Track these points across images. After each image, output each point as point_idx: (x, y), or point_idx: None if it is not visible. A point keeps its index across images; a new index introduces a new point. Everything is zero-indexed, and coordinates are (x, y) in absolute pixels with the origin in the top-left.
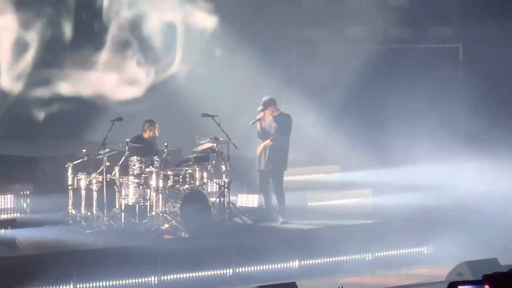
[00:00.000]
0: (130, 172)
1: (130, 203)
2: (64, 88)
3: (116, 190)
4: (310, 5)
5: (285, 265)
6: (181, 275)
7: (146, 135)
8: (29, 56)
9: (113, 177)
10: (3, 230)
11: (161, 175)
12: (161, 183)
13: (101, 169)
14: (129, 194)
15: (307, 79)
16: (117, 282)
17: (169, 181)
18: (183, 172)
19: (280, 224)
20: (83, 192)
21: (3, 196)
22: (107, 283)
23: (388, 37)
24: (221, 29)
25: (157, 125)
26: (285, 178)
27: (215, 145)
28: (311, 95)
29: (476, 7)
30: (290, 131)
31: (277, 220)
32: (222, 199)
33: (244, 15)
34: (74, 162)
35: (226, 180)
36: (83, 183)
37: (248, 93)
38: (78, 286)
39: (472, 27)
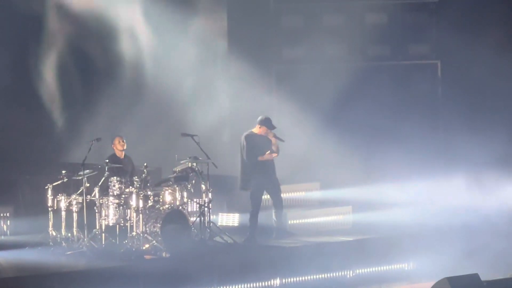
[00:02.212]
0: (110, 193)
1: (111, 224)
2: None
3: (96, 211)
4: (288, 24)
5: (266, 283)
6: None
7: (116, 151)
8: None
9: (93, 198)
10: None
11: (141, 195)
12: (141, 203)
13: (81, 190)
14: (109, 215)
15: (286, 98)
16: None
17: (149, 201)
18: (163, 192)
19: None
20: (63, 214)
21: None
22: None
23: (367, 55)
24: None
25: (119, 138)
26: (264, 196)
27: (194, 164)
28: (291, 114)
29: (453, 24)
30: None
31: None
32: (202, 218)
33: (224, 35)
34: (54, 184)
35: (206, 200)
36: (63, 205)
37: (228, 112)
38: None
39: (450, 44)
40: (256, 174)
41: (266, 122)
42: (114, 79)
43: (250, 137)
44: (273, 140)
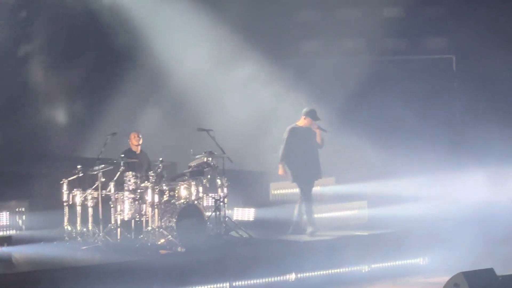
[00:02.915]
0: (126, 188)
1: (126, 219)
2: None
3: (112, 205)
4: (305, 18)
5: (282, 278)
6: None
7: (131, 146)
8: None
9: (108, 193)
10: None
11: (157, 190)
12: (156, 198)
13: (96, 185)
14: (124, 210)
15: (303, 91)
16: None
17: (164, 196)
18: (178, 187)
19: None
20: (78, 208)
21: None
22: None
23: (383, 49)
24: (220, 43)
25: (135, 133)
26: (280, 191)
27: (210, 159)
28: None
29: (470, 19)
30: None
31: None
32: (218, 213)
33: (241, 29)
34: (69, 178)
35: (222, 194)
36: (78, 199)
37: (244, 106)
38: None
39: (466, 38)
40: (299, 167)
41: (311, 114)
42: (129, 74)
43: (293, 131)
44: (317, 131)
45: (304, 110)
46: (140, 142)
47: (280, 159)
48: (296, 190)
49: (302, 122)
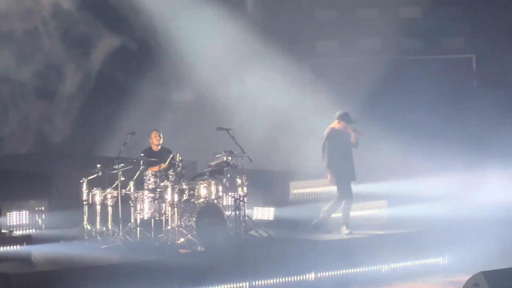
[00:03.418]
0: (145, 187)
1: (146, 218)
2: None
3: (131, 204)
4: (322, 18)
5: (301, 277)
6: None
7: (153, 145)
8: None
9: (128, 192)
10: (18, 246)
11: (176, 189)
12: (176, 197)
13: (116, 184)
14: (144, 209)
15: (321, 91)
16: None
17: (184, 195)
18: (198, 186)
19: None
20: (98, 207)
21: (18, 212)
22: None
23: (401, 48)
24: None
25: (156, 132)
26: (299, 191)
27: (230, 158)
28: (324, 107)
29: (488, 18)
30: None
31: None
32: (237, 212)
33: (259, 28)
34: (89, 178)
35: (242, 194)
36: (98, 198)
37: (264, 105)
38: None
39: (485, 38)
40: (339, 168)
41: (345, 117)
42: (149, 74)
43: (331, 135)
44: (352, 134)
45: (337, 113)
46: (161, 141)
47: (326, 166)
48: (314, 190)
49: (336, 125)
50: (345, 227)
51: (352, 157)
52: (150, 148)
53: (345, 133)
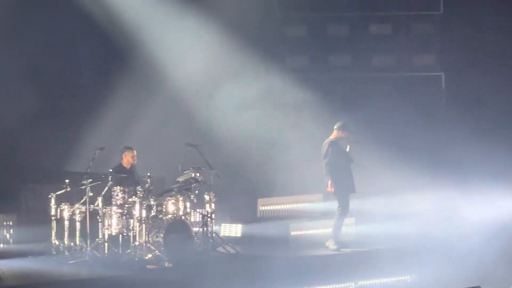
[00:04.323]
0: (113, 202)
1: (114, 233)
2: None
3: (99, 220)
4: (292, 34)
5: None
6: None
7: (125, 162)
8: None
9: (96, 207)
10: None
11: (144, 205)
12: (144, 213)
13: (84, 199)
14: (112, 224)
15: (290, 107)
16: None
17: (152, 211)
18: (166, 202)
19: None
20: (66, 223)
21: None
22: None
23: (371, 65)
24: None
25: (134, 151)
26: (267, 207)
27: (198, 174)
28: (294, 124)
29: (458, 36)
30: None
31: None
32: (205, 228)
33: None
34: (57, 193)
35: (209, 210)
36: (66, 214)
37: (232, 121)
38: None
39: (455, 56)
40: (340, 180)
41: (345, 127)
42: (118, 88)
43: (332, 145)
44: (348, 146)
45: (338, 124)
46: (136, 161)
47: (327, 175)
48: (283, 207)
49: (336, 135)
50: (332, 243)
51: (351, 169)
52: (121, 164)
53: (345, 145)
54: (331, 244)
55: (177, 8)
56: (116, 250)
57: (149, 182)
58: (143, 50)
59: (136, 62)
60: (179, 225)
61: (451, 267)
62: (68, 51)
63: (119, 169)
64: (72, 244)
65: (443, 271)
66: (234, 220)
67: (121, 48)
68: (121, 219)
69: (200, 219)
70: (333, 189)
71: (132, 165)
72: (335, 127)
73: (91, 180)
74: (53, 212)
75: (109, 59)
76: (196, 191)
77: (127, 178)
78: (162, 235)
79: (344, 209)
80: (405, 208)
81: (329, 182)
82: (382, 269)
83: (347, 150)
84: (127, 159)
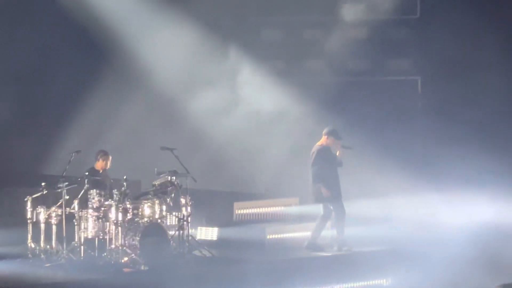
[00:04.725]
0: (90, 206)
1: (90, 237)
2: None
3: (76, 223)
4: (269, 38)
5: None
6: None
7: (98, 165)
8: None
9: (72, 211)
10: None
11: (120, 208)
12: (120, 216)
13: (60, 202)
14: (88, 228)
15: (266, 111)
16: None
17: (128, 214)
18: (142, 205)
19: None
20: (42, 226)
21: None
22: None
23: (347, 70)
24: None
25: (110, 157)
26: (243, 211)
27: (174, 178)
28: (270, 127)
29: (434, 40)
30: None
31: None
32: (181, 232)
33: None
34: (33, 196)
35: (185, 213)
36: (42, 217)
37: (208, 125)
38: None
39: (431, 60)
40: (330, 185)
41: (333, 133)
42: (95, 91)
43: (321, 151)
44: (339, 151)
45: (326, 130)
46: (109, 166)
47: (318, 181)
48: (259, 210)
49: (324, 141)
50: (343, 245)
51: (337, 174)
52: (94, 167)
53: (333, 152)
54: (342, 248)
55: (150, 18)
56: (92, 253)
57: (125, 185)
58: (120, 54)
59: (112, 65)
60: (155, 229)
61: (428, 270)
62: (43, 53)
63: (92, 171)
64: (48, 247)
65: (421, 275)
66: (210, 223)
67: (97, 51)
68: (97, 222)
69: (176, 223)
70: (329, 193)
71: (104, 169)
72: (323, 132)
73: (67, 183)
74: (29, 215)
75: (85, 62)
76: (172, 195)
77: (101, 181)
78: (138, 238)
79: (339, 213)
80: (382, 211)
81: (322, 189)
82: (359, 272)
83: (337, 154)
84: (101, 163)
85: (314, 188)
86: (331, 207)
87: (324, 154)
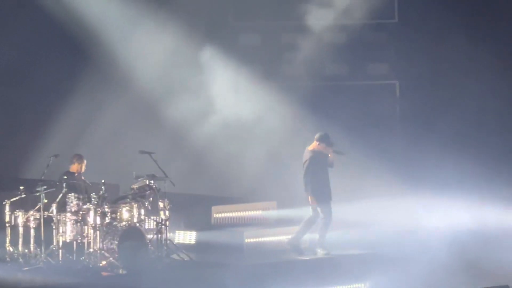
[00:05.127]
0: (68, 209)
1: (68, 240)
2: None
3: (54, 227)
4: (247, 42)
5: None
6: None
7: (73, 169)
8: None
9: (50, 214)
10: None
11: (99, 212)
12: (98, 220)
13: (38, 206)
14: (66, 231)
15: (244, 116)
16: None
17: (106, 218)
18: (120, 209)
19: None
20: (20, 229)
21: None
22: None
23: (325, 74)
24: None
25: (85, 161)
26: (221, 215)
27: (152, 182)
28: (247, 132)
29: (412, 44)
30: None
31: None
32: (159, 235)
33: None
34: (12, 199)
35: (164, 217)
36: (20, 220)
37: (187, 130)
38: None
39: (409, 64)
40: (321, 190)
41: (325, 139)
42: (74, 95)
43: (314, 156)
44: (330, 155)
45: (317, 135)
46: (83, 170)
47: (311, 190)
48: (237, 214)
49: (316, 147)
50: (321, 250)
51: (328, 178)
52: (69, 171)
53: (325, 154)
54: (320, 250)
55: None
56: (70, 257)
57: (103, 189)
58: (99, 58)
59: (92, 69)
60: (133, 232)
61: (406, 275)
62: (22, 56)
63: (69, 175)
64: (26, 251)
65: (399, 279)
66: (188, 227)
67: (77, 55)
68: (75, 226)
69: (155, 226)
70: (315, 203)
71: (79, 173)
72: (315, 137)
73: (45, 187)
74: (7, 218)
75: (64, 66)
76: (151, 198)
77: (77, 184)
78: (116, 242)
79: (327, 217)
80: (360, 215)
81: (311, 198)
82: (337, 276)
83: (330, 156)
84: (76, 167)
85: (307, 195)
86: (319, 210)
87: (316, 159)
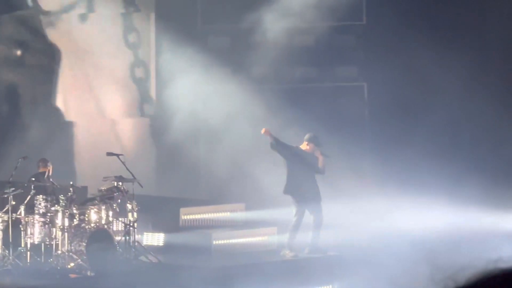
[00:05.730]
0: (36, 211)
1: (36, 242)
2: None
3: (22, 229)
4: (215, 44)
5: None
6: None
7: (42, 171)
8: None
9: (18, 216)
10: None
11: (67, 214)
12: (66, 222)
13: (6, 208)
14: (34, 233)
15: (213, 118)
16: None
17: (74, 220)
18: (88, 211)
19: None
20: None
21: None
22: None
23: (293, 77)
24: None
25: (51, 166)
26: (190, 216)
27: (120, 183)
28: (216, 134)
29: (380, 46)
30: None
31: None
32: (127, 237)
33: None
34: None
35: (132, 219)
36: None
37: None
38: None
39: (377, 66)
40: (305, 190)
41: (314, 140)
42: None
43: (302, 153)
44: (320, 158)
45: (307, 136)
46: (50, 173)
47: (285, 191)
48: (205, 216)
49: (304, 147)
50: (289, 250)
51: (315, 180)
52: (39, 173)
53: (312, 155)
54: (288, 253)
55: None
56: (38, 259)
57: (71, 191)
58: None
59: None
60: (101, 234)
61: (373, 277)
62: None
63: (38, 177)
64: None
65: (366, 281)
66: (156, 229)
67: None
68: (43, 227)
69: (123, 228)
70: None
71: (47, 176)
72: (304, 138)
73: (13, 188)
74: None
75: (36, 64)
76: (119, 200)
77: (46, 186)
78: (84, 244)
79: (298, 219)
80: (328, 217)
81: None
82: (305, 277)
83: (320, 161)
84: (46, 169)
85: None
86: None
87: (297, 158)
